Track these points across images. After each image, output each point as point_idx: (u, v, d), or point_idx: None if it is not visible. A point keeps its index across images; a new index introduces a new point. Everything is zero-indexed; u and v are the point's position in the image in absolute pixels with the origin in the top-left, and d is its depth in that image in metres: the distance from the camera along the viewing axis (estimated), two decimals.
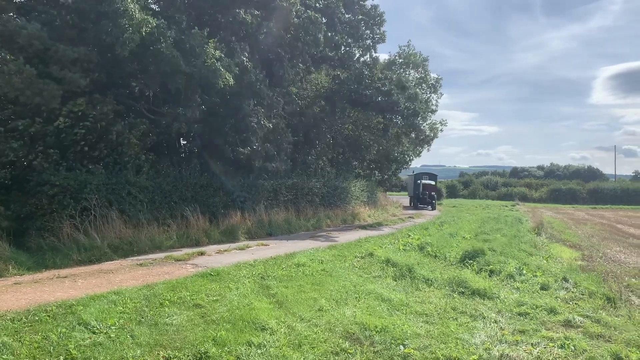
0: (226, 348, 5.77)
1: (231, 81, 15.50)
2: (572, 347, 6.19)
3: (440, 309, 8.04)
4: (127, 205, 14.11)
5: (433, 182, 44.83)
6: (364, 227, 23.09)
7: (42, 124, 12.98)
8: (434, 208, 40.46)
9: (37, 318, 6.68)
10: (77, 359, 5.35)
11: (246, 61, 17.26)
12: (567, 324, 7.33)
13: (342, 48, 26.72)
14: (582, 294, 9.17)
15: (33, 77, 12.38)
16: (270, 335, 6.34)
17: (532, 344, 6.36)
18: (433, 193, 42.38)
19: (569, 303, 8.59)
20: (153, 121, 16.08)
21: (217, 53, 15.20)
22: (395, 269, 10.99)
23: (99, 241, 12.29)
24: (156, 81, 14.88)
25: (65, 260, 11.12)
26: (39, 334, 6.06)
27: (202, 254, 12.97)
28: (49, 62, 13.12)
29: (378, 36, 27.72)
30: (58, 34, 13.44)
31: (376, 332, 6.51)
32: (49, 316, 6.79)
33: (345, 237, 18.08)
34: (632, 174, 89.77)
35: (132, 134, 14.76)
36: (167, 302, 7.73)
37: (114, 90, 15.17)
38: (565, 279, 10.28)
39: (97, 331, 6.24)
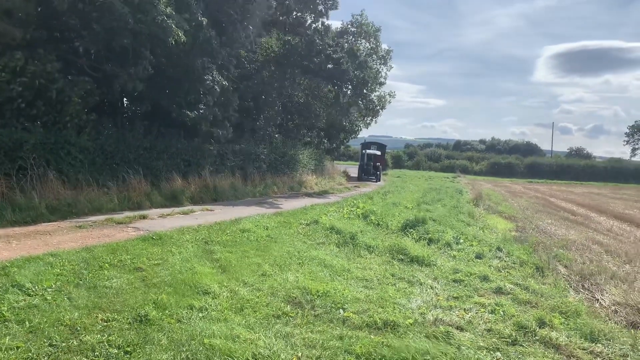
0: (167, 311, 5.76)
1: (183, 38, 14.94)
2: (502, 313, 6.53)
3: (379, 275, 8.29)
4: (66, 165, 13.63)
5: (379, 153, 42.86)
6: (310, 195, 23.27)
7: None
8: (378, 180, 38.32)
9: None
10: (11, 321, 5.20)
11: (200, 17, 16.67)
12: (499, 291, 7.70)
13: (294, 13, 26.29)
14: (514, 263, 9.65)
15: None
16: (213, 299, 6.37)
17: (465, 309, 6.66)
18: (378, 164, 40.07)
19: (501, 271, 9.03)
20: (96, 79, 15.38)
21: (168, 9, 14.56)
22: (339, 236, 11.18)
23: (36, 201, 11.84)
24: (101, 38, 14.18)
25: None
26: None
27: (144, 217, 12.73)
28: None
29: (330, 2, 27.38)
30: None
31: (317, 297, 6.66)
32: None
33: (291, 205, 18.18)
34: (567, 151, 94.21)
35: (73, 92, 14.09)
36: (106, 265, 7.60)
37: (55, 45, 14.36)
38: (499, 249, 10.77)
39: (32, 293, 6.07)
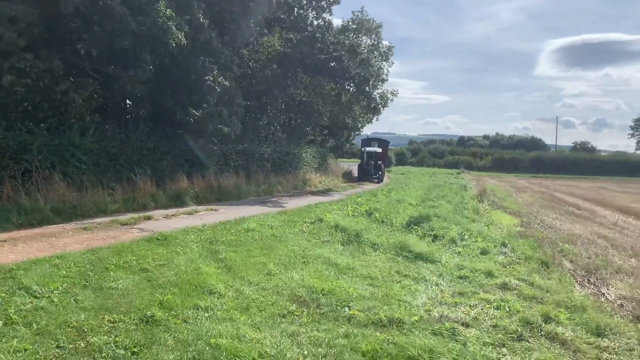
0: (173, 312, 5.79)
1: (183, 40, 14.94)
2: (507, 308, 6.53)
3: (385, 272, 8.29)
4: (71, 167, 13.68)
5: (380, 150, 37.03)
6: (314, 193, 23.29)
7: None
8: (380, 181, 34.09)
9: None
10: (18, 323, 5.23)
11: (202, 18, 16.67)
12: (504, 286, 7.69)
13: (295, 10, 26.29)
14: (519, 259, 9.64)
15: None
16: (218, 298, 6.39)
17: (470, 305, 6.66)
18: (380, 162, 35.34)
19: (507, 267, 9.01)
20: (98, 81, 15.42)
21: (169, 11, 14.55)
22: (343, 234, 11.19)
23: (42, 204, 11.88)
24: (102, 40, 14.18)
25: (4, 223, 10.69)
26: None
27: (148, 218, 12.77)
28: None
29: None
30: None
31: (323, 295, 6.67)
32: None
33: (295, 203, 18.20)
34: (571, 145, 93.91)
35: (77, 94, 14.13)
36: (112, 266, 7.63)
37: (57, 48, 14.38)
38: (504, 244, 10.76)
39: (39, 295, 6.10)
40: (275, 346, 5.01)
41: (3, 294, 6.02)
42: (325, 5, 27.15)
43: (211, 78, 17.49)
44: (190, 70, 17.18)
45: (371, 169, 34.00)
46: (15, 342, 4.78)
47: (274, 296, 6.65)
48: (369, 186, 29.71)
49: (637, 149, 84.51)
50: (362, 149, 36.77)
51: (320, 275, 7.74)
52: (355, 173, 35.69)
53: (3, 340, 4.81)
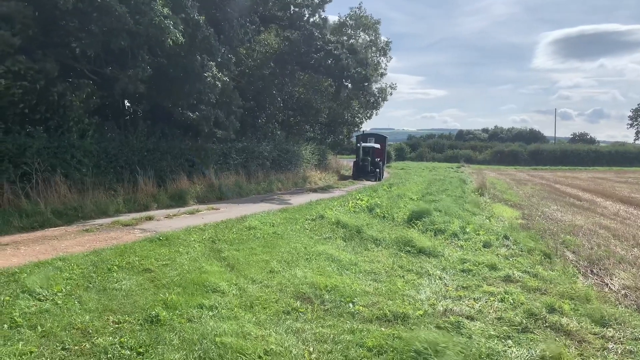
0: (177, 311, 5.78)
1: (181, 39, 14.89)
2: (511, 301, 6.53)
3: (387, 267, 8.29)
4: (71, 169, 13.67)
5: (378, 146, 34.26)
6: (315, 190, 23.28)
7: None
8: (378, 179, 31.24)
9: None
10: (23, 326, 5.23)
11: (197, 16, 16.61)
12: (507, 279, 7.70)
13: (292, 8, 26.24)
14: (522, 251, 9.64)
15: None
16: (222, 297, 6.39)
17: (474, 298, 6.66)
18: (378, 159, 32.65)
19: (509, 259, 9.01)
20: (96, 82, 15.40)
21: (166, 10, 14.50)
22: (345, 230, 11.18)
23: (42, 206, 11.87)
24: (98, 40, 14.14)
25: (5, 227, 10.70)
26: None
27: (150, 218, 12.77)
28: None
29: None
30: None
31: (326, 292, 6.66)
32: None
33: (296, 200, 18.19)
34: (570, 136, 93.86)
35: (75, 95, 14.10)
36: (115, 267, 7.62)
37: (53, 49, 14.34)
38: (506, 237, 10.76)
39: (42, 298, 6.10)
40: (281, 343, 5.01)
41: (7, 298, 6.02)
42: (319, 2, 27.03)
43: (210, 74, 17.39)
44: (188, 69, 17.14)
45: (367, 166, 31.31)
46: (20, 345, 4.78)
47: (278, 293, 6.65)
48: (369, 182, 29.67)
49: (636, 139, 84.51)
50: (358, 144, 33.63)
51: (323, 272, 7.73)
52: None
53: (9, 344, 4.80)
